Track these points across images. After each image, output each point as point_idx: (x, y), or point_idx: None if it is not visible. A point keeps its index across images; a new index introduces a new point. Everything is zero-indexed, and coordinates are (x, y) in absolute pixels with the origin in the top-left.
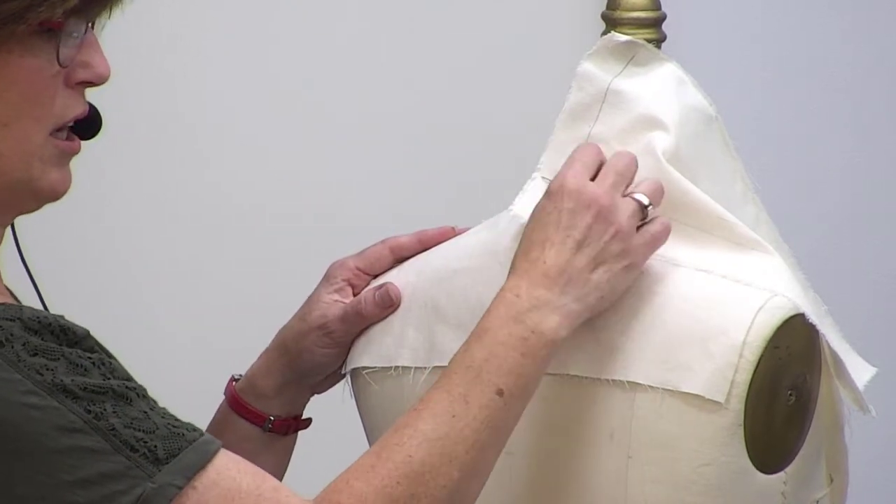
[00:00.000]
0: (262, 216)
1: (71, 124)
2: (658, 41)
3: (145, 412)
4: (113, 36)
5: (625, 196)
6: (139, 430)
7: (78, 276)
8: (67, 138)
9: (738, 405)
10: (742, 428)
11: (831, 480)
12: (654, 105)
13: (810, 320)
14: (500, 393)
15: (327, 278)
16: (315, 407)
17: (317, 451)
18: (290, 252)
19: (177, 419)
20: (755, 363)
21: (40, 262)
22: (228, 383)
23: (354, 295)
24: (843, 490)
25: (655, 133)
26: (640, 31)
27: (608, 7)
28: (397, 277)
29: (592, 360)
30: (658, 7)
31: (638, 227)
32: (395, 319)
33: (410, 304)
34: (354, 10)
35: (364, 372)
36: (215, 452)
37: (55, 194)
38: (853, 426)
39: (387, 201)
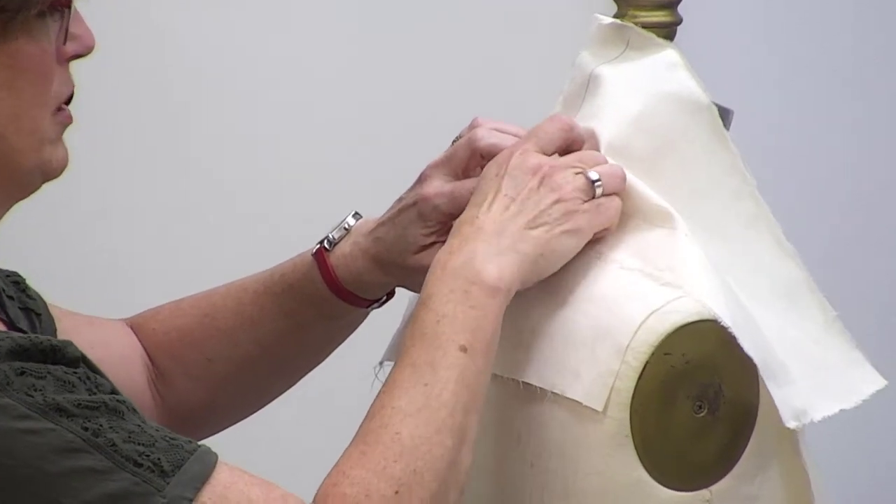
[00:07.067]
0: (263, 216)
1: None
2: (674, 24)
3: (139, 425)
4: (111, 30)
5: (577, 173)
6: (139, 444)
7: (72, 273)
8: (59, 110)
9: (620, 414)
10: (630, 438)
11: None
12: (618, 93)
13: (726, 325)
14: (462, 349)
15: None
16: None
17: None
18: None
19: (169, 431)
20: (640, 370)
21: (38, 259)
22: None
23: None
24: None
25: (606, 123)
26: (655, 13)
27: None
28: None
29: (507, 358)
30: None
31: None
32: None
33: None
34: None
35: None
36: (216, 462)
37: (61, 171)
38: (853, 426)
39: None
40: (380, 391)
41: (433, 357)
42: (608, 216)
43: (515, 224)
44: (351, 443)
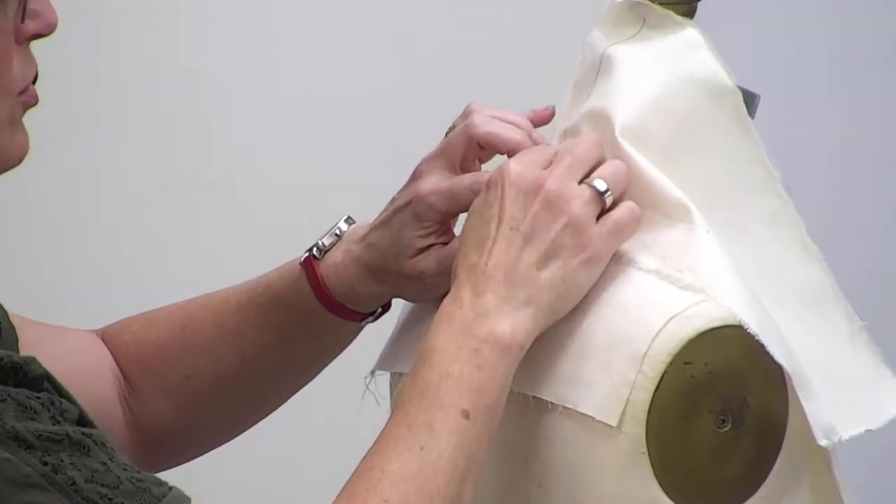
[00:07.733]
0: (250, 221)
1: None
2: (693, 0)
3: (104, 463)
4: (109, 28)
5: (581, 183)
6: (102, 485)
7: (38, 280)
8: (25, 90)
9: (636, 429)
10: (646, 456)
11: None
12: (634, 74)
13: (752, 332)
14: (465, 415)
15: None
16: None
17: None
18: (285, 251)
19: (139, 471)
20: (657, 380)
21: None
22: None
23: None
24: None
25: (620, 105)
26: None
27: None
28: None
29: (516, 371)
30: None
31: (599, 217)
32: None
33: None
34: None
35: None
36: None
37: (20, 160)
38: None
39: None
40: (370, 449)
41: (432, 419)
42: (627, 233)
43: (525, 264)
44: (335, 501)
